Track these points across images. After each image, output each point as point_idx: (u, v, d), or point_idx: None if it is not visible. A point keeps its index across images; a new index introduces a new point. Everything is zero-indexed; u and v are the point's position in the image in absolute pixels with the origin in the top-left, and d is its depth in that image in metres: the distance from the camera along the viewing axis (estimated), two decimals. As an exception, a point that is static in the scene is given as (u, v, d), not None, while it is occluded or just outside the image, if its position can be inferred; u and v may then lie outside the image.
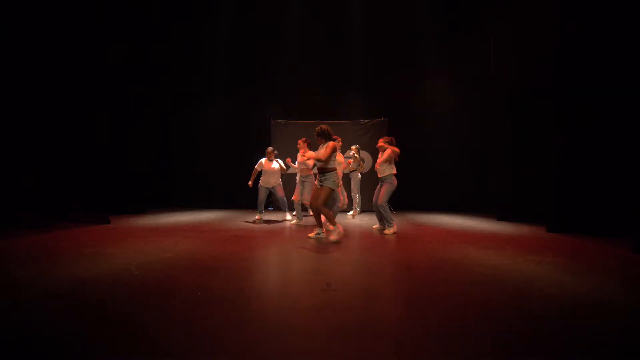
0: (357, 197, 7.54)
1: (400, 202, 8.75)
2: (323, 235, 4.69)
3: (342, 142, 6.30)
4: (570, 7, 5.37)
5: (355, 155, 7.03)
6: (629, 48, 4.73)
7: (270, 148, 6.72)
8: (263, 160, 6.57)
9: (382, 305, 2.42)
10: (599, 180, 5.16)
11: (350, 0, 8.87)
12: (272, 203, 8.85)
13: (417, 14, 8.71)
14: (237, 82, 9.12)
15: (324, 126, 4.58)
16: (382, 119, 8.83)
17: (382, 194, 5.28)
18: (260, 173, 6.61)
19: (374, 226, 5.72)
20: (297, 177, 6.31)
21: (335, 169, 4.54)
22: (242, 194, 8.38)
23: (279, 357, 1.70)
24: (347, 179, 7.24)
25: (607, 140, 5.12)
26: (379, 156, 5.48)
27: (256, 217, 6.68)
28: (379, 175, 5.43)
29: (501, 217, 6.88)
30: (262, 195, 6.62)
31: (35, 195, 5.61)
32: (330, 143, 4.47)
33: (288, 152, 7.31)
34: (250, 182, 6.61)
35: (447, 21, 8.51)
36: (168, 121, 9.05)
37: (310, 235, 4.76)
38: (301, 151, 5.76)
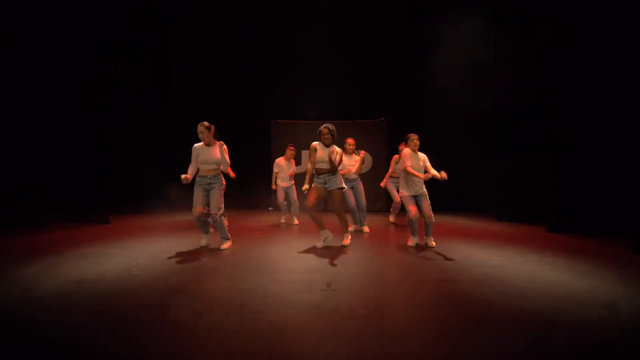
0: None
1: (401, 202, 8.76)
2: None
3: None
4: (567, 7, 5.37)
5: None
6: (630, 48, 4.73)
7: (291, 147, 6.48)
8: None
9: (382, 305, 2.42)
10: (599, 181, 5.16)
11: (351, 1, 8.87)
12: (272, 204, 8.85)
13: (419, 13, 8.70)
14: (238, 82, 9.12)
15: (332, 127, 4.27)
16: (382, 119, 8.83)
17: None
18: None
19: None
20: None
21: None
22: (242, 194, 8.38)
23: (278, 357, 1.70)
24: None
25: (607, 141, 5.12)
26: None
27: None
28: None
29: (501, 217, 6.88)
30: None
31: (35, 195, 5.61)
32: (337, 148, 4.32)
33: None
34: (273, 186, 6.38)
35: (447, 20, 8.50)
36: (168, 121, 9.03)
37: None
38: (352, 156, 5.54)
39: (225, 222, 4.19)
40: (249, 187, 8.33)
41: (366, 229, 5.47)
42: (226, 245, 4.18)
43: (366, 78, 9.09)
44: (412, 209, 4.27)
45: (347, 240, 4.34)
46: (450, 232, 5.48)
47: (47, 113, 5.92)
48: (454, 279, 2.98)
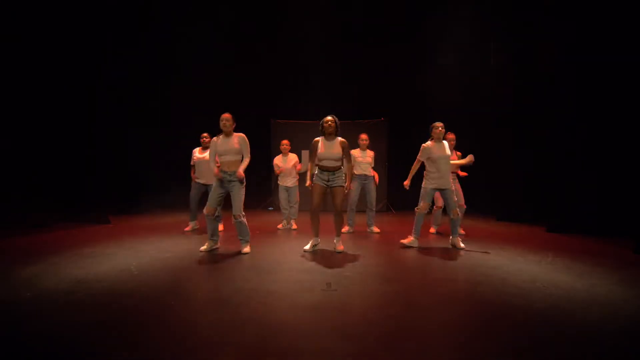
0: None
1: (401, 202, 8.75)
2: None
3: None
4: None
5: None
6: (631, 48, 4.73)
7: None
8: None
9: (381, 305, 2.42)
10: (599, 181, 5.16)
11: (350, 1, 8.87)
12: (272, 203, 8.85)
13: (419, 13, 8.69)
14: (238, 82, 9.11)
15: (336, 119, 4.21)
16: (382, 119, 8.83)
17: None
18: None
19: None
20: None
21: None
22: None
23: (278, 357, 1.70)
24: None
25: (607, 141, 5.12)
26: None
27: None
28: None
29: (501, 217, 6.88)
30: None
31: (35, 195, 5.60)
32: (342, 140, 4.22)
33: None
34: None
35: (448, 20, 8.50)
36: (168, 122, 9.04)
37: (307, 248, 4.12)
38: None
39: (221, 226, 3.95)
40: (248, 187, 8.29)
41: (375, 229, 5.49)
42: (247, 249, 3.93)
43: (366, 78, 9.09)
44: (422, 205, 4.27)
45: (341, 246, 4.06)
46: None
47: (47, 113, 5.92)
48: (454, 279, 2.98)
